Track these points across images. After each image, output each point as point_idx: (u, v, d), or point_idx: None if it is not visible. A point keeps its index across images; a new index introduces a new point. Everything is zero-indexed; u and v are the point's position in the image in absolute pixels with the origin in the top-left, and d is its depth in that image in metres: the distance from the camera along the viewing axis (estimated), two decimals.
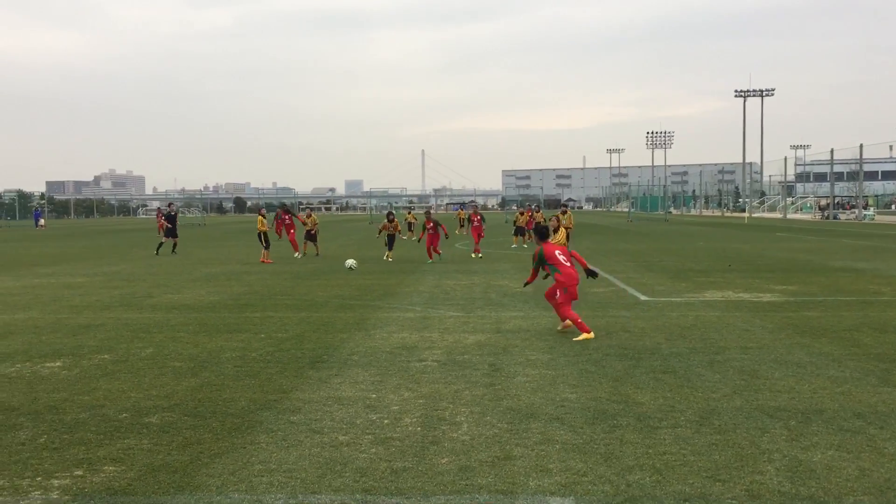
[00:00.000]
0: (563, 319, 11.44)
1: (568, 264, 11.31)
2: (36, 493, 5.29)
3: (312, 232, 29.10)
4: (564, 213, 27.32)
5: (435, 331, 11.71)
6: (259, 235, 26.85)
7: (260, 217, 27.76)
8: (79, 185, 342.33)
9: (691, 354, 9.66)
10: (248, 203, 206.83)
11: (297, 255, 28.57)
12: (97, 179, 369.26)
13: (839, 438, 6.22)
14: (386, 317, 13.21)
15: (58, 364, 9.52)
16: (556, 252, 11.36)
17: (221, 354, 9.99)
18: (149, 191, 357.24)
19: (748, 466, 5.60)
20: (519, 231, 35.14)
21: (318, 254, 28.96)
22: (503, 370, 8.91)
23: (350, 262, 18.93)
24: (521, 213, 36.52)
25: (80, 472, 5.66)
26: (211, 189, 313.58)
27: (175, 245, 31.37)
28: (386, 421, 6.89)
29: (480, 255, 27.27)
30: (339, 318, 13.18)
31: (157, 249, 31.75)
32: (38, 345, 10.89)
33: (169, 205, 37.59)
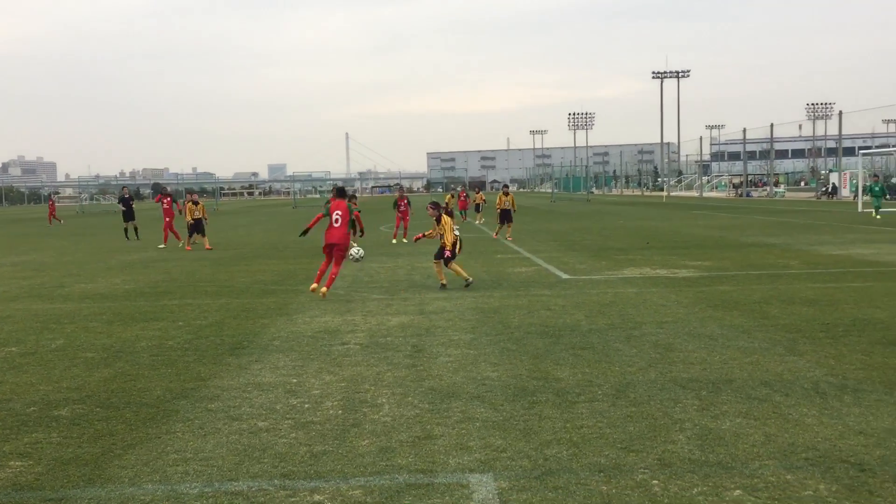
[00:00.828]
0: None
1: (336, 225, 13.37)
2: None
3: (202, 222, 25.62)
4: (507, 194, 27.62)
5: (358, 314, 11.65)
6: (189, 223, 25.23)
7: (190, 205, 26.21)
8: None
9: (609, 330, 9.87)
10: (168, 188, 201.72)
11: (161, 245, 26.37)
12: (5, 166, 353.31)
13: (747, 406, 6.46)
14: (308, 301, 13.07)
15: None
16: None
17: (137, 344, 9.72)
18: (61, 177, 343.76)
19: (661, 436, 5.77)
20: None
21: (208, 247, 25.10)
22: (426, 351, 8.93)
23: (356, 250, 14.78)
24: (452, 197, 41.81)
25: None
26: (127, 175, 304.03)
27: (137, 229, 30.62)
28: (306, 405, 6.83)
29: (400, 240, 25.81)
30: (260, 303, 12.98)
31: (126, 235, 30.76)
32: None
33: (123, 188, 36.32)
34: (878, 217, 33.84)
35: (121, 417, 6.57)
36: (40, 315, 12.24)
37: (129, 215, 30.83)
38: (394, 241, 25.95)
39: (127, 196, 31.86)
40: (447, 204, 36.93)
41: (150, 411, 6.74)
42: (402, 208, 27.06)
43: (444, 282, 14.37)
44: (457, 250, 14.34)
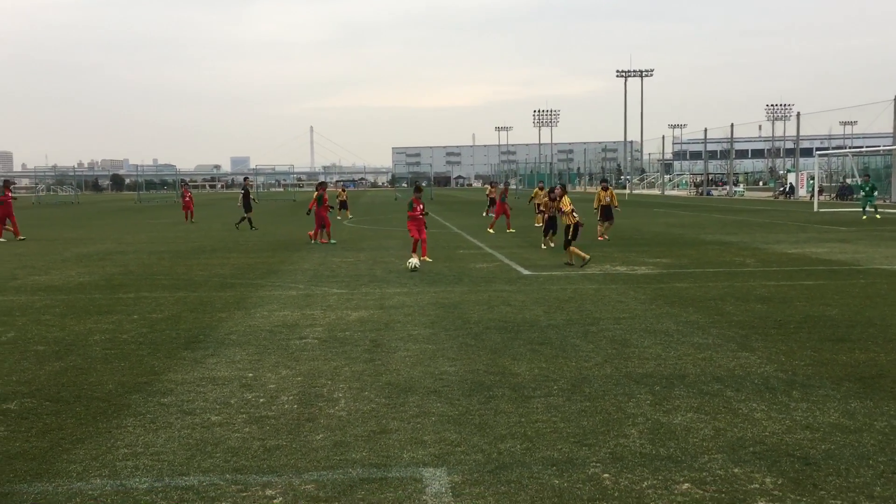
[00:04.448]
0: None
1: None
2: None
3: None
4: (606, 189, 24.65)
5: (317, 308, 11.59)
6: None
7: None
8: None
9: (567, 326, 9.95)
10: (127, 181, 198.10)
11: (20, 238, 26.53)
12: None
13: (699, 401, 6.56)
14: (267, 295, 12.97)
15: None
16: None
17: (90, 337, 9.56)
18: (17, 167, 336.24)
19: (614, 430, 5.83)
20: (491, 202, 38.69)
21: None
22: (384, 346, 8.91)
23: (413, 261, 16.05)
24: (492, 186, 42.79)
25: None
26: (86, 165, 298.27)
27: (251, 220, 30.43)
28: (262, 400, 6.78)
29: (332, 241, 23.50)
30: (218, 297, 12.85)
31: (238, 224, 30.67)
32: None
33: (245, 179, 35.43)
34: (878, 216, 33.24)
35: (71, 412, 6.46)
36: None
37: (247, 206, 30.56)
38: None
39: (247, 187, 31.95)
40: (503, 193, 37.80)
41: (100, 405, 6.63)
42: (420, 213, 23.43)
43: (570, 261, 16.60)
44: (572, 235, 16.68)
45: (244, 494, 4.76)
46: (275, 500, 4.66)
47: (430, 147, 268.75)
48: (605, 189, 24.65)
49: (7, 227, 26.85)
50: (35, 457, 5.43)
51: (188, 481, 4.97)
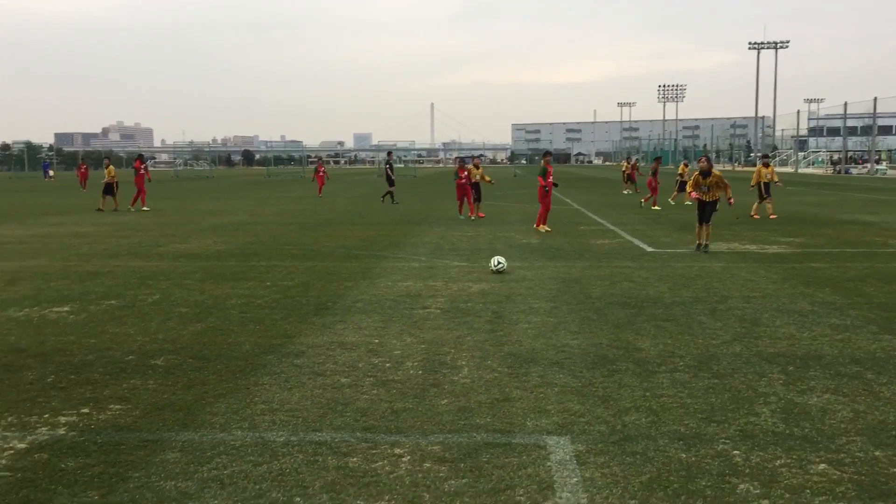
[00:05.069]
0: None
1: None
2: (43, 429, 5.40)
3: (112, 185, 28.38)
4: (767, 165, 24.14)
5: (439, 280, 11.77)
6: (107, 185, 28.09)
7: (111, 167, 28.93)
8: (87, 137, 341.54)
9: (693, 303, 9.69)
10: (257, 156, 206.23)
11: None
12: (105, 132, 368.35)
13: (836, 383, 6.27)
14: (391, 266, 13.27)
15: (65, 309, 9.64)
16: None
17: (227, 301, 10.09)
18: (157, 143, 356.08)
19: (743, 409, 5.67)
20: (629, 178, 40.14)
21: (116, 208, 28.18)
22: (506, 317, 8.97)
23: (498, 261, 12.44)
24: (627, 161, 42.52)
25: (86, 410, 5.78)
26: (219, 141, 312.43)
27: (392, 195, 31.28)
28: (388, 365, 6.98)
29: (471, 216, 23.16)
30: (344, 267, 13.25)
31: (383, 198, 31.60)
32: (47, 290, 11.01)
33: (388, 153, 37.29)
34: None
35: (212, 369, 6.86)
36: (137, 272, 12.82)
37: (390, 181, 31.58)
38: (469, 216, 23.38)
39: (390, 161, 33.02)
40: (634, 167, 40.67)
41: (239, 364, 7.01)
42: (464, 181, 23.40)
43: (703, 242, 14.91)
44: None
45: (374, 452, 4.93)
46: (403, 459, 4.81)
47: (551, 124, 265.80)
48: (765, 165, 24.03)
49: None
50: (181, 408, 5.81)
51: (321, 437, 5.20)
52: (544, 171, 19.35)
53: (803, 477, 4.47)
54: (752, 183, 24.04)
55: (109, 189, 28.35)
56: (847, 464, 4.65)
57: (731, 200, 15.00)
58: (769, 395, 5.96)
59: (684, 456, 4.79)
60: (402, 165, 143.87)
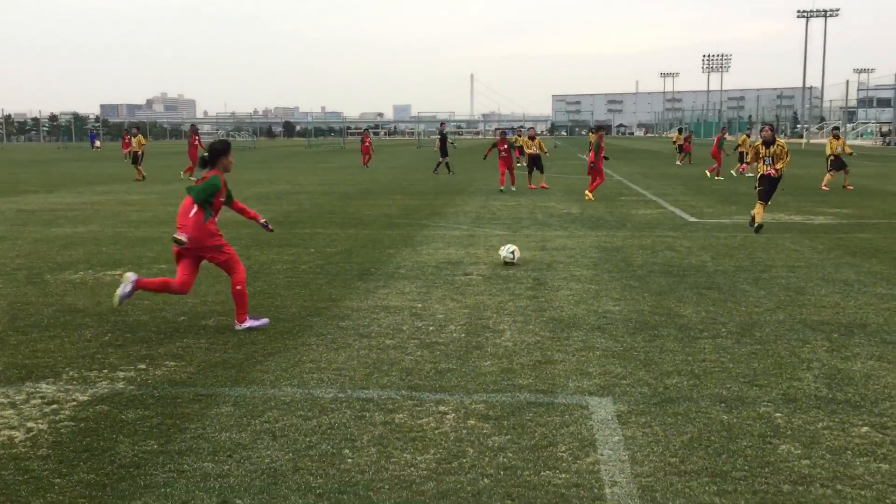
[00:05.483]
0: None
1: None
2: (103, 383, 5.64)
3: (138, 154, 28.88)
4: (837, 137, 23.85)
5: (480, 248, 11.86)
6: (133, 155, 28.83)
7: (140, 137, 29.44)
8: (132, 108, 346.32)
9: (737, 272, 9.66)
10: (297, 127, 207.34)
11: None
12: (149, 103, 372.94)
13: (881, 350, 6.25)
14: (432, 234, 13.39)
15: (118, 272, 9.93)
16: None
17: (273, 266, 10.30)
18: (199, 114, 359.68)
19: (786, 374, 5.69)
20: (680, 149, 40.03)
21: (141, 178, 28.33)
22: (547, 284, 9.04)
23: (508, 250, 10.39)
24: (679, 133, 42.08)
25: (143, 366, 6.01)
26: (260, 113, 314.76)
27: (448, 164, 31.28)
28: (431, 328, 7.11)
29: (510, 187, 22.69)
30: (386, 235, 13.40)
31: (437, 169, 31.60)
32: (99, 255, 11.34)
33: (441, 124, 37.47)
34: None
35: (261, 329, 7.05)
36: None
37: (444, 151, 31.60)
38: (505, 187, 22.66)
39: (443, 132, 33.07)
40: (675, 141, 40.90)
41: (286, 325, 7.20)
42: (504, 154, 22.85)
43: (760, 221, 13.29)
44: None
45: (419, 409, 5.07)
46: (448, 415, 4.95)
47: (591, 95, 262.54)
48: (836, 137, 23.67)
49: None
50: (233, 366, 6.01)
51: (368, 394, 5.35)
52: (598, 147, 19.58)
53: (845, 439, 4.51)
54: (827, 153, 23.64)
55: (136, 159, 29.12)
56: (890, 427, 4.67)
57: (779, 172, 13.37)
58: (812, 361, 5.97)
59: (725, 417, 4.85)
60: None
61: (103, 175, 32.80)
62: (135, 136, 30.04)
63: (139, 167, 29.04)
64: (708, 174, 28.75)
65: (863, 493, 3.86)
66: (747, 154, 15.77)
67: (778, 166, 13.32)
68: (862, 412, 4.92)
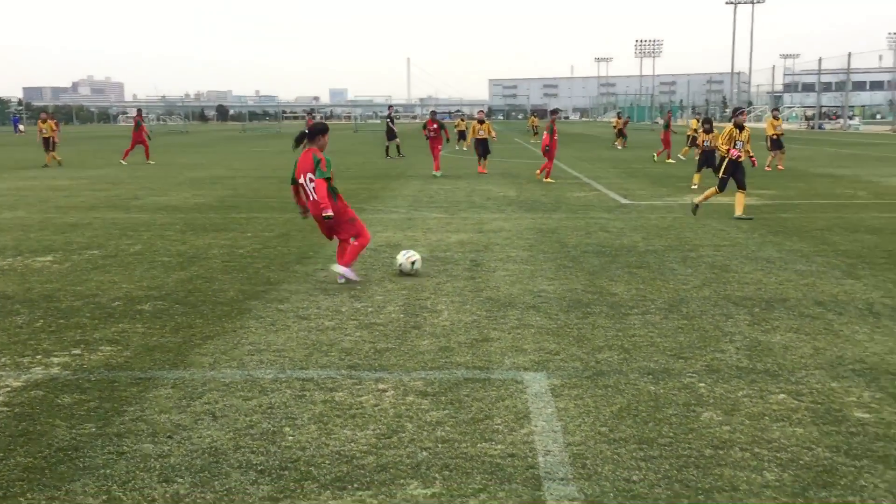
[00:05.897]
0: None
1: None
2: (37, 368, 5.57)
3: (49, 139, 28.25)
4: (776, 118, 25.04)
5: (418, 230, 11.96)
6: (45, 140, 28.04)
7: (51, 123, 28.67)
8: (57, 91, 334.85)
9: (666, 251, 9.98)
10: (231, 111, 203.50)
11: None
12: (75, 86, 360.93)
13: (798, 323, 6.58)
14: (370, 218, 13.42)
15: (48, 258, 9.73)
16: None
17: (209, 251, 10.22)
18: (128, 97, 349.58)
19: (710, 346, 5.96)
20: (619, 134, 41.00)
21: (51, 163, 27.84)
22: (484, 265, 9.20)
23: (407, 257, 8.72)
24: (619, 118, 43.65)
25: (78, 352, 5.95)
26: (192, 96, 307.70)
27: (399, 147, 31.13)
28: (370, 309, 7.19)
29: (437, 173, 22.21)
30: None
31: (387, 153, 31.28)
32: (28, 241, 11.06)
33: (390, 107, 36.74)
34: None
35: (198, 313, 7.04)
36: (118, 223, 12.87)
37: (391, 134, 31.27)
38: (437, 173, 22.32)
39: (392, 115, 32.78)
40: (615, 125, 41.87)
41: (224, 309, 7.19)
42: (433, 134, 23.18)
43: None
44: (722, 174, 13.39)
45: (359, 387, 5.16)
46: (387, 393, 5.05)
47: (528, 79, 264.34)
48: (776, 118, 24.82)
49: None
50: (171, 350, 6.00)
51: (308, 374, 5.42)
52: (552, 130, 20.16)
53: (763, 406, 4.77)
54: (770, 133, 24.57)
55: (48, 144, 28.24)
56: (805, 394, 4.95)
57: (751, 156, 13.54)
58: (735, 335, 6.26)
59: (653, 388, 5.07)
60: (378, 121, 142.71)
61: (28, 160, 31.79)
62: (44, 122, 29.03)
63: (52, 153, 28.18)
64: (656, 158, 29.19)
65: (779, 455, 4.11)
66: (710, 140, 16.12)
67: (748, 150, 13.35)
68: (780, 381, 5.20)
